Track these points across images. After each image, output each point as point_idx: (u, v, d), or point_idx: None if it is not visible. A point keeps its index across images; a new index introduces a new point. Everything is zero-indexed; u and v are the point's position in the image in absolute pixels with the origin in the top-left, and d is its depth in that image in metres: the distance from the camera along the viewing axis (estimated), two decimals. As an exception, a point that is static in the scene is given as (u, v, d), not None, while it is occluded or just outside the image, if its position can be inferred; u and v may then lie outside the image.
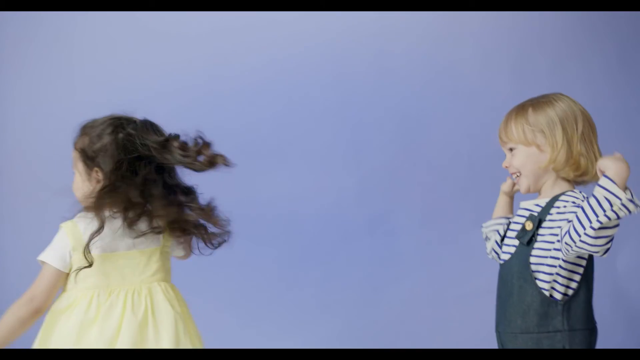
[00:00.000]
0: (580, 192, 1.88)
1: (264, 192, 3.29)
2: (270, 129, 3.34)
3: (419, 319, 3.27)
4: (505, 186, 2.13)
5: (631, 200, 1.68)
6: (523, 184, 1.94)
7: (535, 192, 1.95)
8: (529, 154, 1.90)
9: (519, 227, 1.90)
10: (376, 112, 3.40)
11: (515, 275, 1.86)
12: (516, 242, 1.89)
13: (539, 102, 1.92)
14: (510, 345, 1.88)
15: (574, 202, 1.84)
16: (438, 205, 3.36)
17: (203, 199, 1.99)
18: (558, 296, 1.82)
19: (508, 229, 1.96)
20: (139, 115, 1.97)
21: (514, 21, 3.43)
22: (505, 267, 1.91)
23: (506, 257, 1.91)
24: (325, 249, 3.32)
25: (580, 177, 1.88)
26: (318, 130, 3.37)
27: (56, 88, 3.26)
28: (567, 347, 1.81)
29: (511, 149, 1.94)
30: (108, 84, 3.23)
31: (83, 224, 1.90)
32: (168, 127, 3.39)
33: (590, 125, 1.91)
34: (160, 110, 3.17)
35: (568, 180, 1.91)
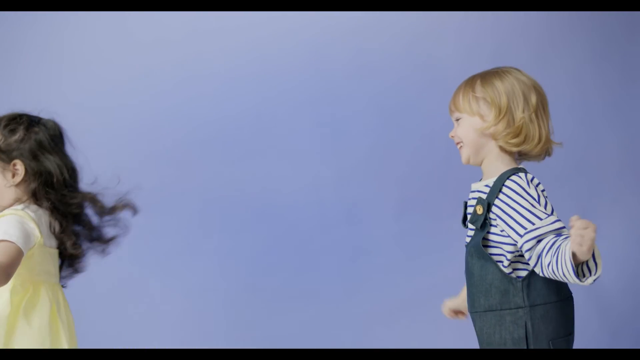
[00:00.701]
0: (526, 175, 1.86)
1: (241, 181, 3.29)
2: (251, 121, 3.35)
3: (394, 309, 3.27)
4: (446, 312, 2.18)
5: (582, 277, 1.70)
6: (464, 154, 1.96)
7: (475, 164, 1.96)
8: (472, 123, 1.92)
9: (472, 209, 1.91)
10: (355, 104, 3.40)
11: (474, 256, 1.88)
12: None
13: (488, 74, 1.94)
14: (478, 325, 1.90)
15: (520, 195, 1.81)
16: (415, 195, 3.37)
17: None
18: (522, 274, 1.85)
19: (466, 212, 1.97)
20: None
21: (496, 17, 3.44)
22: (467, 249, 1.93)
23: (467, 239, 1.93)
24: (302, 238, 3.32)
25: (521, 145, 1.88)
26: (297, 122, 3.37)
27: (50, 88, 3.25)
28: (528, 322, 1.82)
29: (458, 120, 1.96)
30: (97, 86, 3.23)
31: (33, 214, 1.86)
32: (161, 123, 3.43)
33: (541, 98, 1.91)
34: (152, 106, 3.25)
35: (511, 155, 1.92)
